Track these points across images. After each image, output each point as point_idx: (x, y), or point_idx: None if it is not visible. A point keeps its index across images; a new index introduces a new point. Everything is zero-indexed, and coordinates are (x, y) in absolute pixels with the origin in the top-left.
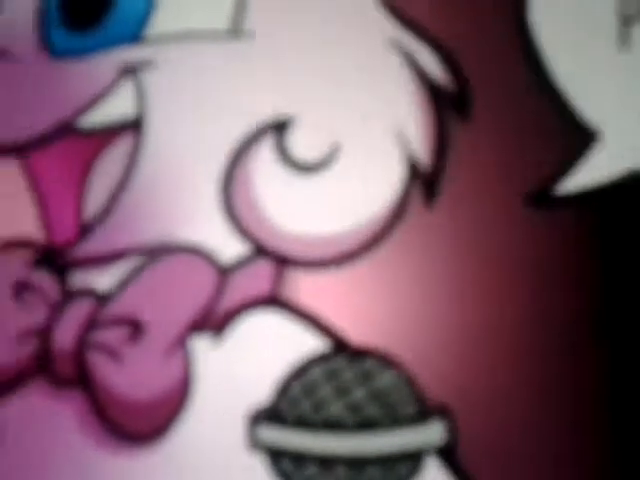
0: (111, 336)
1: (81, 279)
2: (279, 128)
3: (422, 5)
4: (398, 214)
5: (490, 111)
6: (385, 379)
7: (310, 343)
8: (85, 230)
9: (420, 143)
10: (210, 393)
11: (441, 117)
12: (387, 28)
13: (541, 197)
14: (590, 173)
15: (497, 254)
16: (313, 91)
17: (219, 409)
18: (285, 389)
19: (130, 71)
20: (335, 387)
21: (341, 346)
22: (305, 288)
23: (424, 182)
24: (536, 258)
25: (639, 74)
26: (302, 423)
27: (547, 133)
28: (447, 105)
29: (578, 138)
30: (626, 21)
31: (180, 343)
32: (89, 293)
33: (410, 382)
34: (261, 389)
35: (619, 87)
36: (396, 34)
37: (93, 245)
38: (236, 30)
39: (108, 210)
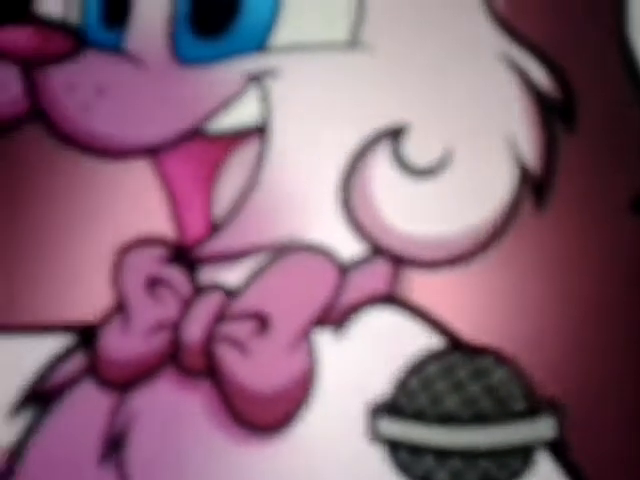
0: (238, 329)
1: (210, 275)
2: (395, 135)
3: (530, 21)
4: (509, 217)
5: (593, 121)
6: (498, 376)
7: (425, 340)
8: (214, 229)
9: (529, 149)
10: (332, 386)
11: (548, 125)
12: (497, 41)
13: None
14: None
15: (600, 256)
16: (427, 99)
17: (340, 401)
18: (403, 384)
19: (255, 79)
20: (450, 382)
21: (455, 343)
22: (420, 287)
23: (534, 186)
24: (635, 259)
25: None
26: (419, 416)
27: None
28: (554, 114)
29: None
30: None
31: (304, 337)
32: (218, 288)
33: (521, 378)
34: (380, 383)
35: None
36: (506, 47)
37: (222, 243)
38: (355, 42)
39: (236, 210)
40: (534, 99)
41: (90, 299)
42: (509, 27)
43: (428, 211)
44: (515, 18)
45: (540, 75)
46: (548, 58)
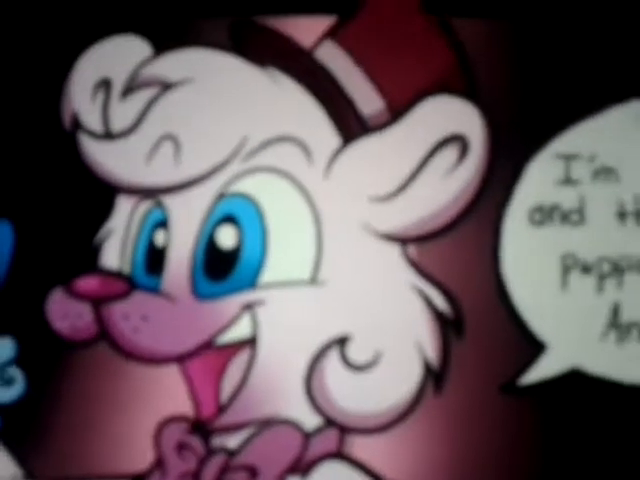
0: (237, 477)
1: (219, 441)
2: (341, 342)
3: (432, 264)
4: (419, 398)
5: (474, 331)
6: None
7: None
8: (222, 409)
9: (431, 351)
10: None
11: (444, 334)
12: (411, 277)
13: (508, 387)
14: (541, 370)
15: (480, 423)
16: (363, 319)
17: None
18: None
19: (248, 307)
20: None
21: None
22: (359, 446)
23: (434, 377)
24: (502, 426)
25: (576, 305)
26: None
27: (512, 342)
28: (448, 326)
29: (532, 346)
30: (565, 270)
31: None
32: (223, 450)
33: None
34: None
35: (561, 313)
36: (416, 281)
37: (226, 419)
38: (314, 279)
39: (235, 396)
40: (435, 316)
41: (139, 457)
42: (418, 268)
43: (363, 394)
44: (422, 262)
45: (439, 300)
46: (444, 288)
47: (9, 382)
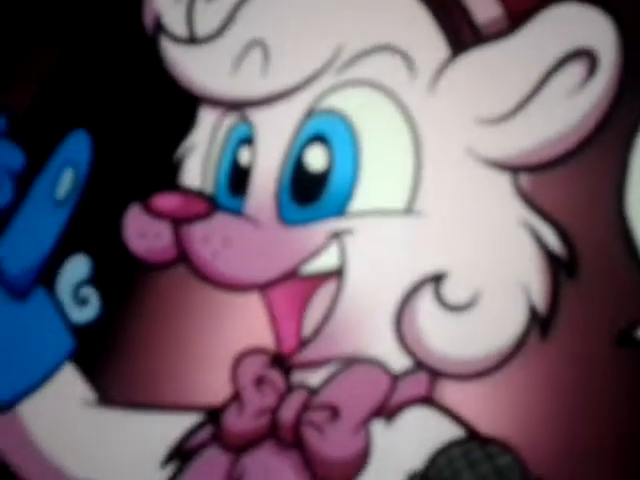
0: (317, 416)
1: (299, 377)
2: (437, 279)
3: (546, 196)
4: (521, 344)
5: (589, 273)
6: (504, 459)
7: (452, 430)
8: (303, 344)
9: (539, 294)
10: (381, 460)
11: (556, 276)
12: (520, 211)
13: (625, 339)
14: None
15: (589, 378)
16: (463, 254)
17: (386, 471)
18: (433, 461)
19: (336, 236)
20: (468, 462)
21: (473, 434)
22: (450, 393)
23: (540, 323)
24: (615, 381)
25: None
26: None
27: (632, 289)
28: (560, 268)
29: None
30: None
31: (364, 424)
32: (304, 387)
33: (521, 463)
34: (416, 459)
35: None
36: (526, 215)
37: (308, 354)
38: (410, 209)
39: (319, 331)
40: (545, 255)
41: (217, 390)
42: (529, 201)
43: (458, 337)
44: (535, 195)
45: (551, 237)
46: (558, 225)
47: (83, 302)
